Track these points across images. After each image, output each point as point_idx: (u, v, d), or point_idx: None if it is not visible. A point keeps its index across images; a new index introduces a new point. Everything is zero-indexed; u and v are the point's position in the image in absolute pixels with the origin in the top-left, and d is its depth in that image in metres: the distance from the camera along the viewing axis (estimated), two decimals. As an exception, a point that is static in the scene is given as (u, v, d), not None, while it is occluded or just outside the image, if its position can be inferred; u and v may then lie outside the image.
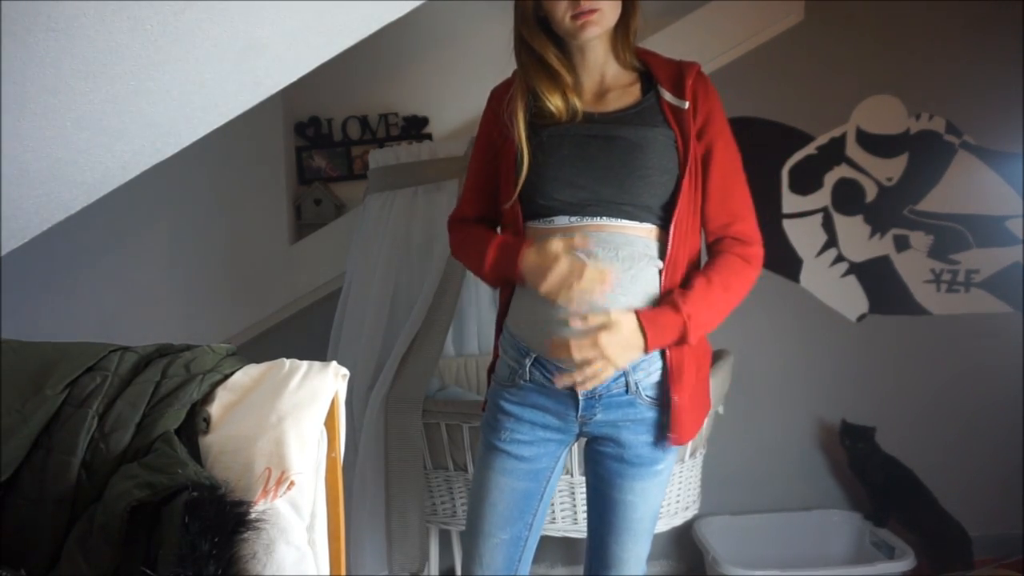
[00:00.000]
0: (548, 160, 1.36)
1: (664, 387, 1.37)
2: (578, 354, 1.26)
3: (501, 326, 1.48)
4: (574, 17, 1.34)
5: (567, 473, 1.88)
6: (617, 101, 1.42)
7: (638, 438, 1.39)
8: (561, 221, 1.37)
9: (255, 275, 2.78)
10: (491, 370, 1.53)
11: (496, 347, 1.51)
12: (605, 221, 1.35)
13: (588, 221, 1.35)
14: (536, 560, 1.50)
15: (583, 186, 1.35)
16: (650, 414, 1.38)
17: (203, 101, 1.43)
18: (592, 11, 1.33)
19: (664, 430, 1.38)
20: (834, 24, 2.64)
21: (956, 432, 2.69)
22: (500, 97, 1.46)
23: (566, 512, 1.91)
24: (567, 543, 2.53)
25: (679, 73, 1.42)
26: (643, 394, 1.36)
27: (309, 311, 2.76)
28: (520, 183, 1.38)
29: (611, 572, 1.47)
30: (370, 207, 2.28)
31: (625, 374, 1.34)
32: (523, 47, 1.42)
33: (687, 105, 1.38)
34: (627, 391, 1.35)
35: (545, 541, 1.52)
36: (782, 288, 2.69)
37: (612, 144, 1.36)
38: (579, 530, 1.90)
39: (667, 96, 1.40)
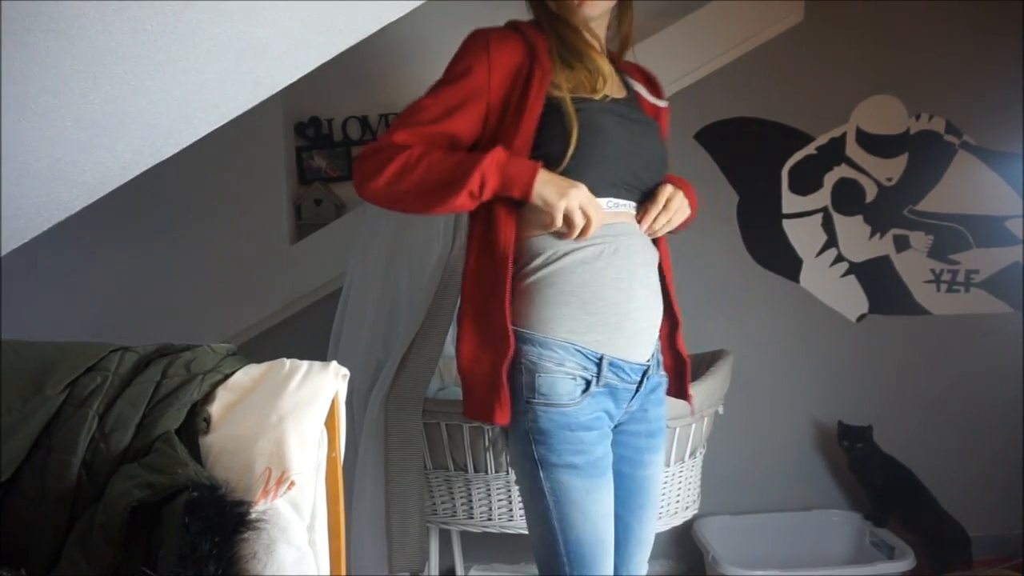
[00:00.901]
0: (609, 138, 1.30)
1: (669, 354, 1.47)
2: (670, 215, 1.35)
3: (508, 335, 1.26)
4: None
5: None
6: (619, 90, 1.42)
7: (657, 409, 1.44)
8: (608, 205, 1.31)
9: (255, 275, 2.78)
10: (515, 384, 1.28)
11: (509, 363, 1.27)
12: (635, 208, 1.37)
13: (624, 207, 1.34)
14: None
15: (631, 170, 1.34)
16: (662, 383, 1.45)
17: (203, 101, 1.42)
18: None
19: (671, 392, 1.48)
20: (834, 24, 2.64)
21: (956, 432, 2.69)
22: (507, 50, 1.32)
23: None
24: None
25: (645, 73, 1.50)
26: (661, 367, 1.44)
27: (309, 311, 2.76)
28: (568, 157, 1.27)
29: (640, 556, 1.45)
30: (370, 207, 2.28)
31: (657, 355, 1.41)
32: (546, 12, 1.39)
33: (666, 104, 1.47)
34: (660, 369, 1.43)
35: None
36: (782, 288, 2.69)
37: (646, 129, 1.38)
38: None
39: (643, 92, 1.45)
